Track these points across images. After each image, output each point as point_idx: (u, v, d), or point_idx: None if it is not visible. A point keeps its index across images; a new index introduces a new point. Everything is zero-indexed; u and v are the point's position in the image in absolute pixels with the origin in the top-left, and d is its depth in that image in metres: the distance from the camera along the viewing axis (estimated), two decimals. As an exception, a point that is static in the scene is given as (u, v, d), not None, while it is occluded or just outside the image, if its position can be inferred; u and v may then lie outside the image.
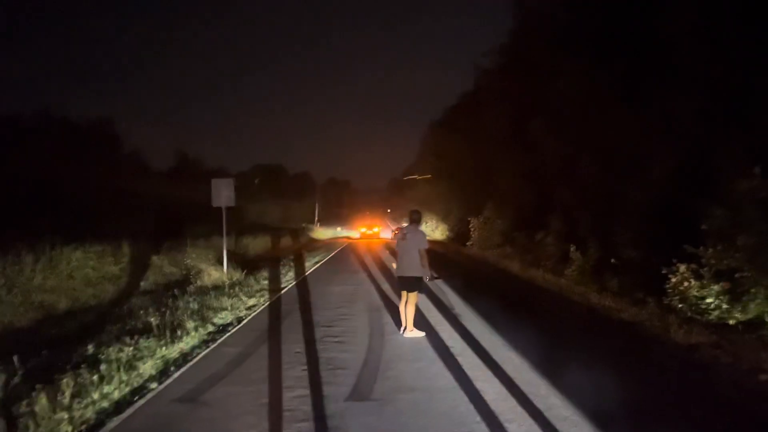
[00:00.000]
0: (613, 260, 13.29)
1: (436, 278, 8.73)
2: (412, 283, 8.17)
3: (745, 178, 9.16)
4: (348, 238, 45.10)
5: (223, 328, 9.17)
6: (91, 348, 7.64)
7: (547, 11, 17.92)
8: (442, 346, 7.66)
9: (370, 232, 48.60)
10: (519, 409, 5.19)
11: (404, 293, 8.35)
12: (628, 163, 13.08)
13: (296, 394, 5.67)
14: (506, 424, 4.86)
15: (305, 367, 6.69)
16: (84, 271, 14.21)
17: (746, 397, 5.82)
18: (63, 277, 13.35)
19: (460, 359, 6.96)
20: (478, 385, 5.92)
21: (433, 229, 40.56)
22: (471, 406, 5.28)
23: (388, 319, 9.53)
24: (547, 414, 5.08)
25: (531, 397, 5.54)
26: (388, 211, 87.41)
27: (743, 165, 9.50)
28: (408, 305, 8.22)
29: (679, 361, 7.18)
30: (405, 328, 8.25)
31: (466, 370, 6.45)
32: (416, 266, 8.03)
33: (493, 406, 5.29)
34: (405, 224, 8.90)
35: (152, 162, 45.90)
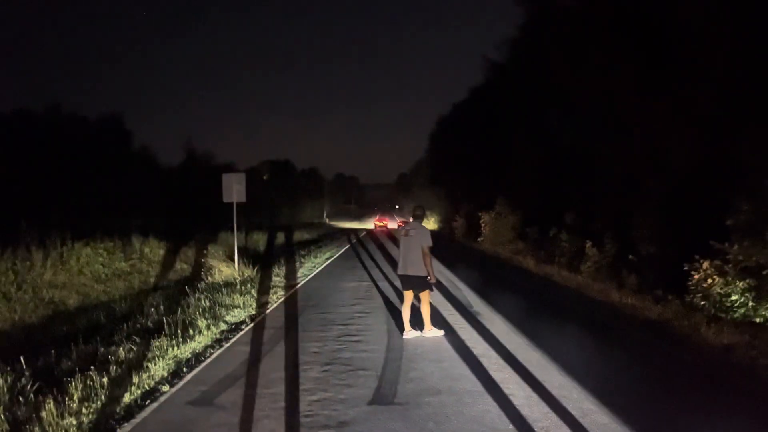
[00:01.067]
0: (630, 256, 12.91)
1: (433, 284, 8.04)
2: (417, 282, 7.68)
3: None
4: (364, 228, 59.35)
5: (236, 327, 8.87)
6: (101, 347, 7.39)
7: (561, 2, 17.49)
8: (463, 346, 7.32)
9: (381, 224, 66.44)
10: (553, 416, 4.85)
11: (408, 293, 7.89)
12: (647, 155, 12.66)
13: (316, 398, 5.35)
14: (541, 432, 4.53)
15: (324, 368, 6.37)
16: (94, 267, 13.96)
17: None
18: (73, 273, 13.11)
19: (483, 360, 6.62)
20: (506, 388, 5.58)
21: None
22: (501, 412, 4.94)
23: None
24: (583, 420, 4.73)
25: (563, 401, 5.19)
26: (396, 207, 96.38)
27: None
28: (422, 305, 7.80)
29: (717, 364, 6.80)
30: (416, 331, 7.85)
31: (492, 372, 6.12)
32: (420, 264, 7.57)
33: (524, 411, 4.95)
34: (411, 219, 8.46)
35: (162, 157, 45.75)
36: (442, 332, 7.88)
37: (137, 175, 28.36)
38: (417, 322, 7.97)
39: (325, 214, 66.74)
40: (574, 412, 4.92)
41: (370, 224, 70.82)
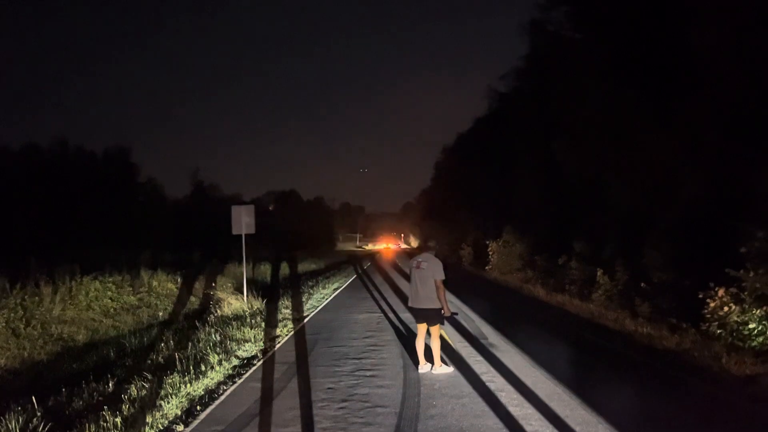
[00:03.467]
0: (643, 284, 12.75)
1: (455, 314, 8.01)
2: (431, 316, 7.50)
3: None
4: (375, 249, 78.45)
5: (247, 362, 8.73)
6: (112, 385, 7.27)
7: (567, 33, 17.65)
8: (480, 380, 7.17)
9: (389, 246, 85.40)
10: (580, 454, 4.70)
11: (421, 326, 7.73)
12: (657, 183, 12.60)
13: (335, 437, 5.22)
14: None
15: (340, 405, 6.22)
16: (102, 302, 13.86)
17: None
18: (82, 309, 13.01)
19: (502, 395, 6.46)
20: (529, 425, 5.42)
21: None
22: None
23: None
24: (611, 459, 4.58)
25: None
26: (402, 236, 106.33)
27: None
28: (432, 340, 7.58)
29: (745, 398, 6.60)
30: (430, 364, 7.66)
31: (512, 408, 5.96)
32: (433, 297, 7.41)
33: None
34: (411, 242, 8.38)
35: (168, 190, 45.94)
36: (451, 369, 7.67)
37: (144, 207, 28.45)
38: (431, 356, 7.83)
39: (339, 239, 75.34)
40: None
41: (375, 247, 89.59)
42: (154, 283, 16.81)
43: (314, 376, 7.61)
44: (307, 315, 13.59)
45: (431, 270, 7.49)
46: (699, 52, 10.82)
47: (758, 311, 8.83)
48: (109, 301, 14.19)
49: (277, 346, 9.84)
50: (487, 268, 26.62)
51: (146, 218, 27.73)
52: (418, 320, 7.77)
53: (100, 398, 6.66)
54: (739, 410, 6.14)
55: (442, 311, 7.46)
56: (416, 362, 7.80)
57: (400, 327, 11.54)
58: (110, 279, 14.88)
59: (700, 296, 9.69)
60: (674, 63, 11.79)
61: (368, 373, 7.67)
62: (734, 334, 8.95)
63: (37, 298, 12.16)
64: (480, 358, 8.46)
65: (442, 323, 7.67)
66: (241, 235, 14.96)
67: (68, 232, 21.83)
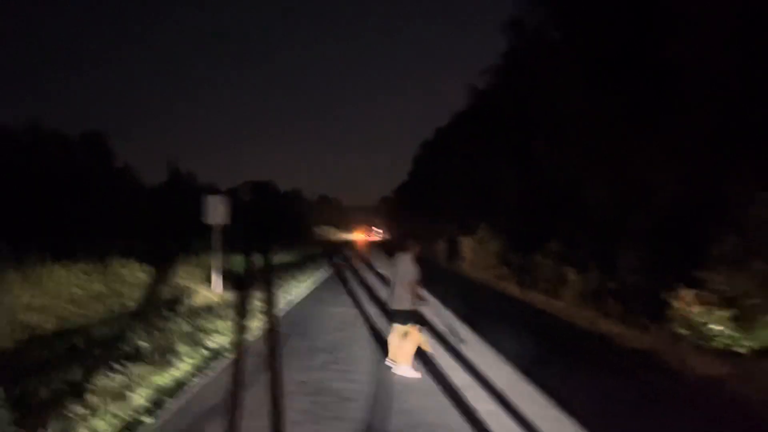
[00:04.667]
0: (614, 285, 12.98)
1: (424, 302, 7.73)
2: (403, 316, 7.38)
3: (757, 203, 8.93)
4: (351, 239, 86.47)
5: (218, 354, 8.67)
6: (78, 374, 7.16)
7: (545, 31, 17.75)
8: (449, 377, 7.22)
9: (365, 237, 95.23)
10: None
11: (397, 327, 7.53)
12: (632, 185, 12.80)
13: (306, 430, 5.21)
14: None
15: (311, 399, 6.22)
16: (72, 290, 13.61)
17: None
18: (51, 296, 12.76)
19: (473, 392, 6.52)
20: (498, 422, 5.48)
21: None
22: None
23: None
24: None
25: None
26: (376, 228, 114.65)
27: (755, 190, 9.27)
28: (407, 341, 7.40)
29: (709, 399, 6.76)
30: (395, 362, 7.51)
31: (482, 405, 6.02)
32: (404, 298, 7.29)
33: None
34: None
35: (144, 177, 45.30)
36: (419, 375, 7.31)
37: (118, 194, 28.00)
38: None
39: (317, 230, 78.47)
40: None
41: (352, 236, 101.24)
42: (125, 272, 16.56)
43: (286, 369, 7.59)
44: (281, 308, 13.53)
45: (403, 270, 7.41)
46: (677, 62, 11.00)
47: (723, 313, 9.06)
48: (79, 289, 13.94)
49: (248, 338, 9.76)
50: (461, 264, 26.79)
51: (119, 205, 27.29)
52: (394, 320, 7.59)
53: (68, 388, 6.55)
54: (700, 408, 6.29)
55: (414, 307, 7.33)
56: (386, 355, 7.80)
57: (374, 322, 11.55)
58: (80, 267, 14.63)
59: (667, 297, 9.92)
60: (653, 70, 11.95)
61: (340, 368, 7.68)
62: (698, 335, 9.17)
63: (4, 285, 11.90)
64: (452, 355, 8.52)
65: (414, 323, 7.41)
66: (214, 225, 14.83)
67: (38, 217, 21.39)
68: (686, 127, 10.83)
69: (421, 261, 7.72)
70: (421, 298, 7.46)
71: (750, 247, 9.06)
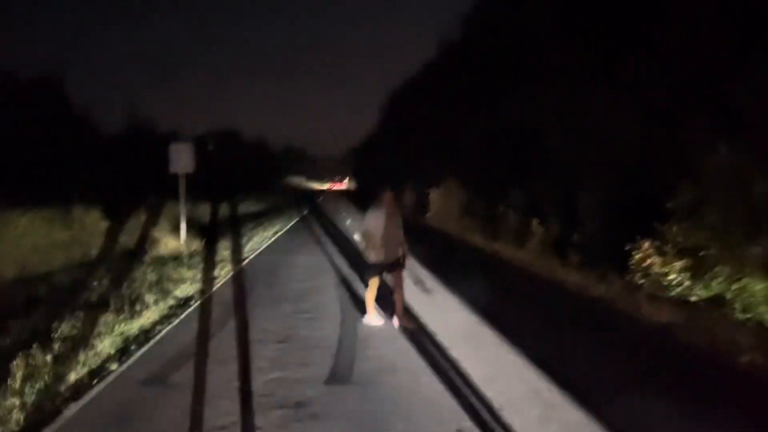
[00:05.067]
0: (575, 235, 13.25)
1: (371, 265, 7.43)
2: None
3: (713, 153, 9.11)
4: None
5: (184, 302, 8.66)
6: (42, 323, 7.08)
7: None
8: (416, 323, 7.36)
9: (332, 188, 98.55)
10: (509, 393, 4.93)
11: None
12: (595, 135, 12.93)
13: (271, 377, 5.29)
14: (501, 413, 4.60)
15: (278, 346, 6.30)
16: (32, 238, 13.31)
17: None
18: (9, 244, 12.47)
19: (438, 338, 6.66)
20: (463, 365, 5.64)
21: None
22: (459, 390, 5.00)
23: (359, 289, 9.19)
24: (539, 398, 4.84)
25: (518, 380, 5.30)
26: (343, 178, 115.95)
27: (712, 141, 9.46)
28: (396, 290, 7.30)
29: (660, 343, 7.07)
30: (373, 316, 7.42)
31: (448, 351, 6.16)
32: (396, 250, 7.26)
33: (481, 389, 5.02)
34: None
35: (102, 124, 43.90)
36: (381, 322, 7.35)
37: (77, 141, 27.12)
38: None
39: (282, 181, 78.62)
40: (528, 391, 5.02)
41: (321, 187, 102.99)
42: (87, 220, 16.23)
43: (252, 317, 7.64)
44: (247, 257, 13.51)
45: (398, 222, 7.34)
46: (642, 8, 11.01)
47: (678, 263, 9.36)
48: (39, 237, 13.64)
49: (215, 287, 9.78)
50: (427, 215, 26.97)
51: (79, 152, 26.47)
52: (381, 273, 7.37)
53: (30, 336, 6.48)
54: (655, 351, 6.57)
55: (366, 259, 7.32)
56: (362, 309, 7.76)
57: (341, 270, 11.63)
58: (40, 214, 14.27)
59: (627, 248, 10.18)
60: (624, 15, 11.94)
61: (306, 316, 7.76)
62: (655, 285, 9.49)
63: (-40, 232, 11.59)
64: (417, 302, 8.65)
65: (369, 274, 7.38)
66: (178, 174, 14.54)
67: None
68: (654, 76, 10.92)
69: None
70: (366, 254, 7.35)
71: (705, 199, 9.30)
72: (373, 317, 7.37)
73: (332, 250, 15.19)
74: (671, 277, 9.32)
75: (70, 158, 24.65)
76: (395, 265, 7.29)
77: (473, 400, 4.79)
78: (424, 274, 11.24)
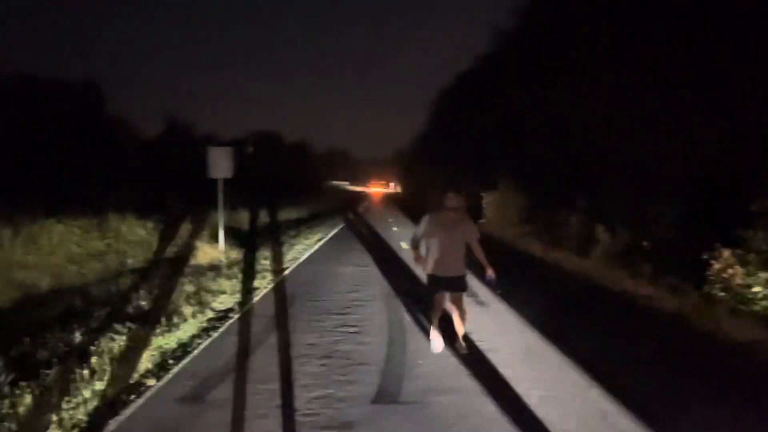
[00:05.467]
0: (645, 243, 12.92)
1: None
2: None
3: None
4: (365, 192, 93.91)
5: (224, 315, 8.83)
6: (78, 336, 7.33)
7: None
8: (468, 340, 7.29)
9: (378, 190, 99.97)
10: (569, 418, 4.85)
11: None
12: (667, 137, 12.61)
13: (315, 395, 5.33)
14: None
15: (322, 362, 6.35)
16: (67, 247, 13.83)
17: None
18: (45, 253, 12.98)
19: (493, 356, 6.61)
20: (519, 387, 5.57)
21: None
22: (515, 413, 4.94)
23: (407, 302, 9.18)
24: (602, 424, 4.74)
25: (580, 402, 5.20)
26: (390, 182, 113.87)
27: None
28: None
29: (742, 361, 6.81)
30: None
31: (503, 369, 6.11)
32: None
33: (539, 412, 4.95)
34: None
35: (141, 128, 45.29)
36: (440, 349, 6.85)
37: (113, 146, 28.09)
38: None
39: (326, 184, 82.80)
40: (592, 414, 4.92)
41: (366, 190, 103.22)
42: (123, 229, 16.76)
43: (294, 331, 7.73)
44: (288, 266, 13.68)
45: (467, 230, 7.08)
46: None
47: (764, 274, 9.00)
48: (75, 246, 14.16)
49: (255, 299, 9.94)
50: (481, 221, 26.77)
51: (115, 157, 27.42)
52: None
53: (67, 349, 6.72)
54: (738, 373, 6.33)
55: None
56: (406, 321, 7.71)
57: (388, 282, 11.65)
58: (76, 223, 14.81)
59: (704, 257, 9.86)
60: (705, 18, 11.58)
61: (352, 330, 7.80)
62: (737, 298, 9.15)
63: (-5, 241, 12.13)
64: (471, 316, 8.55)
65: (428, 287, 7.00)
66: (217, 180, 14.87)
67: (30, 170, 21.57)
68: (736, 72, 10.56)
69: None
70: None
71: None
72: (434, 342, 6.92)
73: (378, 258, 15.23)
74: (756, 289, 8.99)
75: (106, 163, 25.51)
76: (458, 285, 6.79)
77: (531, 425, 4.72)
78: (476, 284, 11.14)
